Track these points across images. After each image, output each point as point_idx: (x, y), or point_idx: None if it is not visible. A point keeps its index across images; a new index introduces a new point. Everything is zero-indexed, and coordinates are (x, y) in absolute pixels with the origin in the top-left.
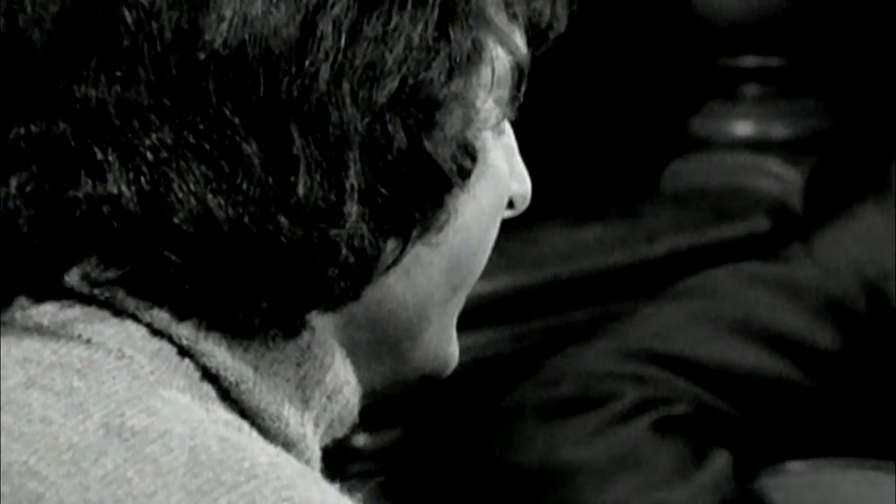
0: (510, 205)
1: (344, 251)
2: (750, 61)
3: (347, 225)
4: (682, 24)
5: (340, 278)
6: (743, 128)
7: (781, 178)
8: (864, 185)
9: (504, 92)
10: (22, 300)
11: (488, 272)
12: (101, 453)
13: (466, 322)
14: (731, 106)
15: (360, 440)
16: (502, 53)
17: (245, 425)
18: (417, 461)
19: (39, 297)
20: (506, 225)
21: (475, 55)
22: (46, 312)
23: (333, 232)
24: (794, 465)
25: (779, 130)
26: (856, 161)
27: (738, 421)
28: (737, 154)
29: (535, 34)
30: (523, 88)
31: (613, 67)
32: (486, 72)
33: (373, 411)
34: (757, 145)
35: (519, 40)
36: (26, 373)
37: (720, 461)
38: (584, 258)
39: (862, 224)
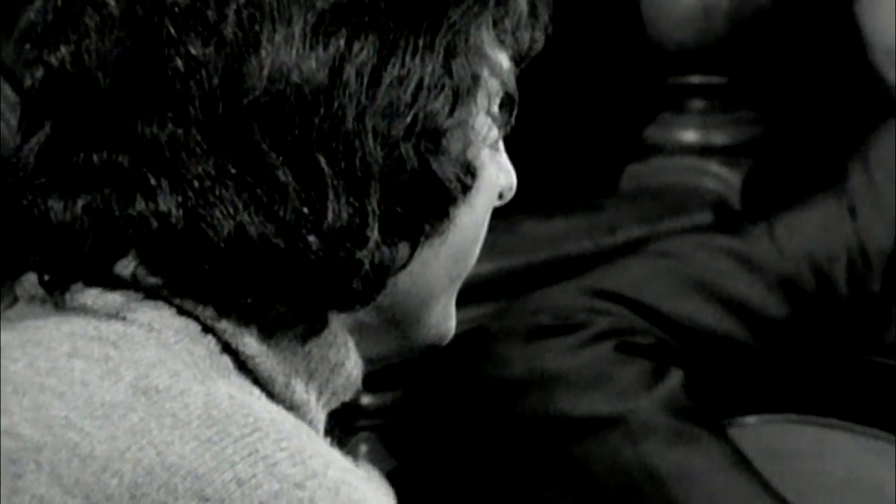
0: (500, 196)
1: (366, 266)
2: (695, 79)
3: (370, 244)
4: (638, 48)
5: (360, 287)
6: (689, 136)
7: (722, 179)
8: (824, 179)
9: (498, 114)
10: (75, 286)
11: (478, 257)
12: (128, 409)
13: (460, 299)
14: (678, 117)
15: (366, 399)
16: (495, 82)
17: (255, 389)
18: (413, 417)
19: (88, 284)
20: (490, 218)
21: (473, 86)
22: (92, 296)
23: (358, 252)
24: (751, 419)
25: (719, 138)
26: (784, 164)
27: (692, 362)
28: (684, 158)
29: (519, 56)
30: (515, 111)
31: (582, 85)
32: (482, 99)
33: (376, 375)
34: (701, 150)
35: (507, 65)
36: (72, 344)
37: (675, 379)
38: (555, 246)
39: (817, 214)
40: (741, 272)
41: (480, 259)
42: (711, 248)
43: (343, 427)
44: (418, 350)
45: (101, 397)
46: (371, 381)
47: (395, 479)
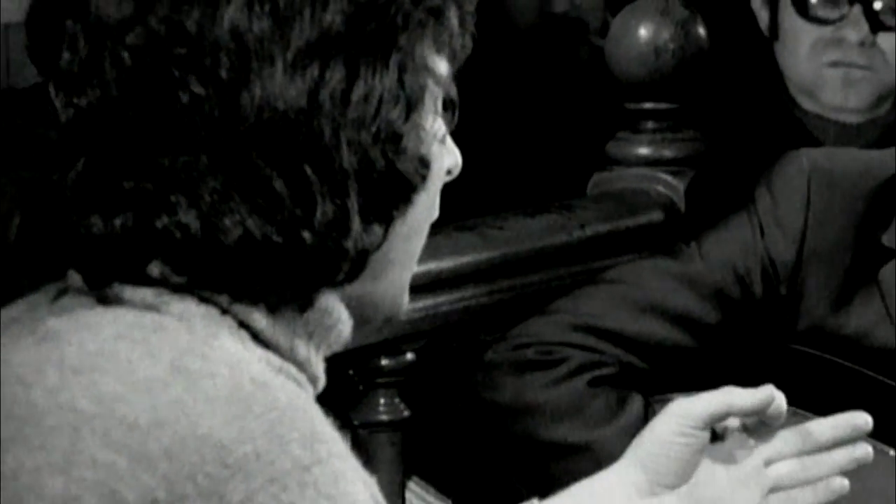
0: (448, 172)
1: (351, 252)
2: (647, 105)
3: (353, 233)
4: (603, 80)
5: (347, 268)
6: (643, 150)
7: (670, 185)
8: (737, 203)
9: (442, 113)
10: (115, 284)
11: (472, 248)
12: (167, 385)
13: (456, 283)
14: (634, 135)
15: (384, 361)
16: (437, 89)
17: (273, 357)
18: (423, 376)
19: (127, 282)
20: (482, 216)
21: (421, 94)
22: (129, 291)
23: (344, 241)
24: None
25: (668, 152)
26: (720, 175)
27: (650, 374)
28: (639, 169)
29: (454, 57)
30: (457, 111)
31: (558, 111)
32: (429, 103)
33: (391, 342)
34: (653, 163)
35: (446, 71)
36: (116, 329)
37: (636, 406)
38: (535, 239)
39: (734, 234)
40: (681, 289)
41: (475, 250)
42: (655, 271)
43: (365, 383)
44: (378, 321)
45: (144, 374)
46: (388, 346)
47: (407, 428)
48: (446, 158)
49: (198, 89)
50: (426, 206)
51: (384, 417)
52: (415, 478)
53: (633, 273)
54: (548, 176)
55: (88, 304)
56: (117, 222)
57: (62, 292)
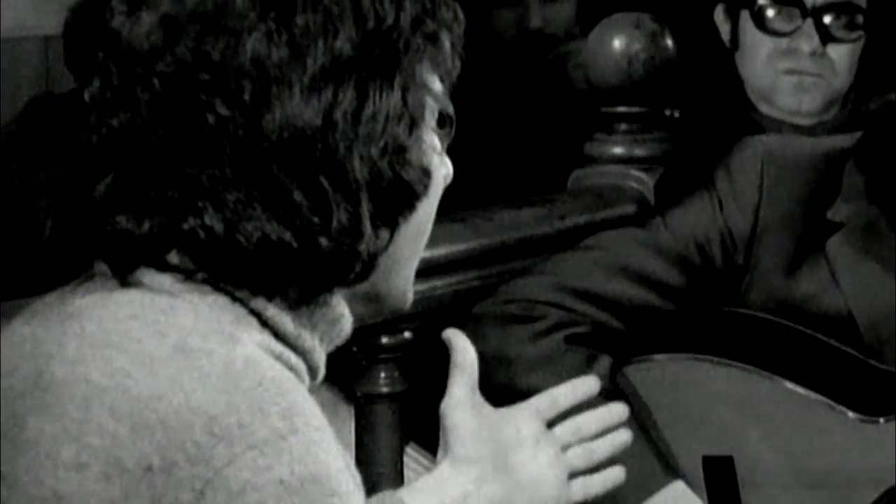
0: (445, 178)
1: (364, 255)
2: (621, 109)
3: (365, 238)
4: (582, 87)
5: (359, 269)
6: (617, 150)
7: (641, 181)
8: (699, 183)
9: (438, 128)
10: (138, 270)
11: (464, 238)
12: (168, 362)
13: (449, 269)
14: (609, 136)
15: (384, 339)
16: (435, 104)
17: (275, 343)
18: (420, 352)
19: (146, 267)
20: (474, 209)
21: (422, 111)
22: (148, 276)
23: (358, 245)
24: (658, 356)
25: (639, 152)
26: (685, 171)
27: (622, 332)
28: (613, 166)
29: (447, 76)
30: (454, 125)
31: (542, 116)
32: (429, 118)
33: (391, 322)
34: (626, 161)
35: (441, 89)
36: (132, 310)
37: (604, 365)
38: (521, 229)
39: (696, 208)
40: (648, 255)
41: (467, 238)
42: (626, 239)
43: (368, 359)
44: (387, 314)
45: (150, 351)
46: (388, 325)
47: (405, 399)
48: (444, 169)
49: (223, 111)
50: (428, 211)
51: (384, 390)
52: (412, 443)
53: (608, 240)
54: (532, 173)
55: (111, 286)
56: (145, 226)
57: (89, 277)
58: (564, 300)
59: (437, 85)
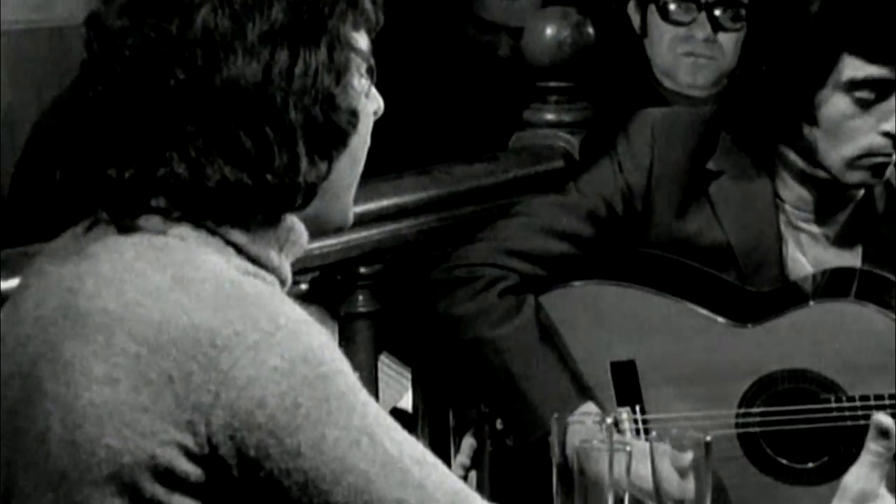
0: (375, 114)
1: (303, 185)
2: (552, 83)
3: (303, 170)
4: (521, 64)
5: (302, 196)
6: (549, 116)
7: (569, 142)
8: (603, 150)
9: (366, 75)
10: (132, 216)
11: (426, 187)
12: (170, 290)
13: (415, 213)
14: (543, 105)
15: (362, 269)
16: (359, 59)
17: (250, 266)
18: (392, 279)
19: (138, 214)
20: (434, 164)
21: (347, 64)
22: (142, 219)
23: (297, 178)
24: (577, 283)
25: (567, 118)
26: (604, 135)
27: (545, 278)
28: (546, 129)
29: (371, 30)
30: (375, 72)
31: (486, 87)
32: (354, 69)
33: (368, 255)
34: (556, 125)
35: (366, 44)
36: (135, 250)
37: (529, 307)
38: (472, 180)
39: (601, 170)
40: (564, 214)
41: (428, 188)
42: (546, 203)
43: (349, 285)
44: (332, 230)
45: (154, 284)
46: (365, 258)
47: (379, 317)
48: (371, 105)
49: (181, 75)
50: (360, 144)
51: (362, 309)
52: (385, 352)
53: (532, 206)
54: (481, 135)
55: (114, 232)
56: (127, 174)
57: (94, 223)
58: (497, 260)
59: (361, 41)
